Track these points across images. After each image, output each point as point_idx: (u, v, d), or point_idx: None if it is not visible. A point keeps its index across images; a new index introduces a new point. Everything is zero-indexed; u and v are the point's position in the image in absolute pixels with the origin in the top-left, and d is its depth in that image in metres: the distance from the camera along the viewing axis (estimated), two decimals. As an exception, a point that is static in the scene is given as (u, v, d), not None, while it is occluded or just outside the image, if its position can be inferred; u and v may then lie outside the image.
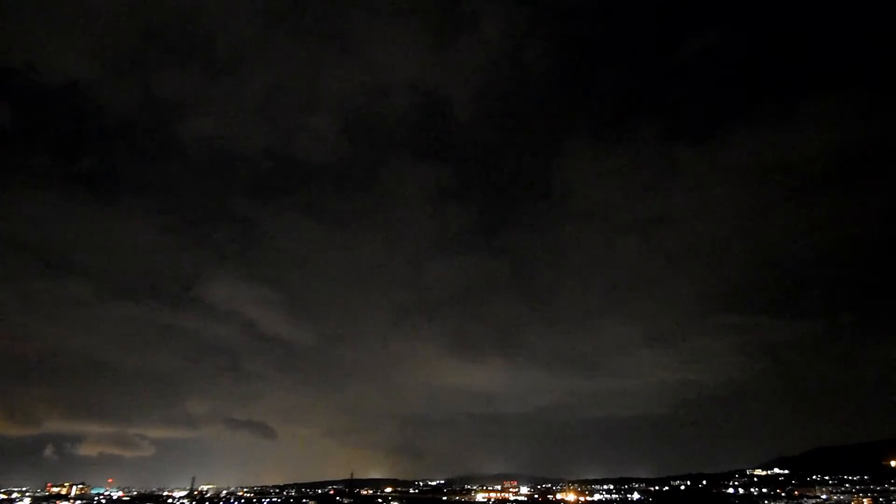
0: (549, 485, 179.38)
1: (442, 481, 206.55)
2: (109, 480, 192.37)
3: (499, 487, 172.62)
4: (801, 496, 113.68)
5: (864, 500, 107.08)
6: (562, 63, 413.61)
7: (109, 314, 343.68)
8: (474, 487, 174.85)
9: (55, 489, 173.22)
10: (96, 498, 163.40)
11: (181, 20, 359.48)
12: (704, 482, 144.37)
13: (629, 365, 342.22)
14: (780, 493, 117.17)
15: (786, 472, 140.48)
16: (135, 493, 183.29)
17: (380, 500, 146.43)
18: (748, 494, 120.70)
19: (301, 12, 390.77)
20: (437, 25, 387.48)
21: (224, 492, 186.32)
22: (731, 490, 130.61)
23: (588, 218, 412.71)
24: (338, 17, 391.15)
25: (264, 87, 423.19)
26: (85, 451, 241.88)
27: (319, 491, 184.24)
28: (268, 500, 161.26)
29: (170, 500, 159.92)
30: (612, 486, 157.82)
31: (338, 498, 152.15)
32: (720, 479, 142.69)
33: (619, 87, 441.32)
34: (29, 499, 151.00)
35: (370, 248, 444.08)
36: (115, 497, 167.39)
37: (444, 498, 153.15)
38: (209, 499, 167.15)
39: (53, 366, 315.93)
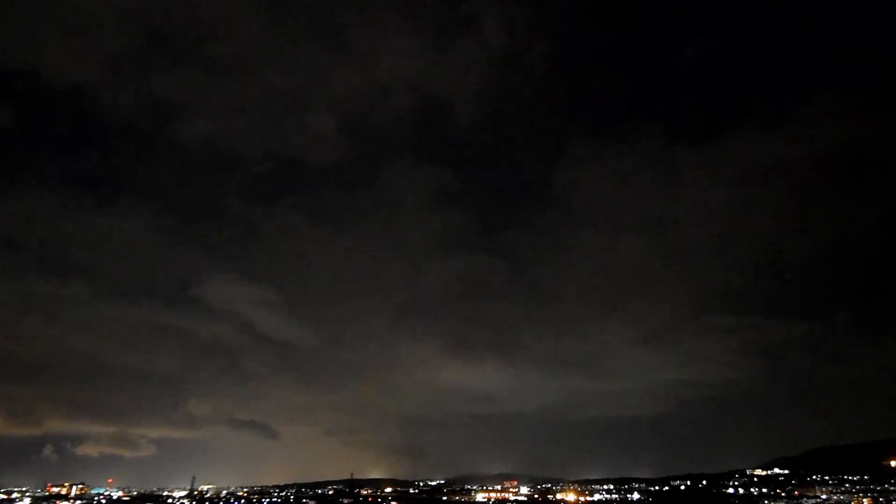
0: (549, 485, 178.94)
1: (442, 481, 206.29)
2: (109, 480, 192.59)
3: (499, 487, 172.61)
4: (801, 496, 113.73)
5: (864, 500, 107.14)
6: (562, 65, 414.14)
7: (109, 314, 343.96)
8: (474, 487, 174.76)
9: (55, 489, 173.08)
10: (96, 498, 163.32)
11: (181, 21, 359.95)
12: (704, 482, 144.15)
13: (629, 365, 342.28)
14: (780, 493, 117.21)
15: (786, 472, 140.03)
16: (135, 493, 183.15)
17: (380, 500, 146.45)
18: (748, 494, 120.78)
19: (301, 12, 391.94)
20: (437, 26, 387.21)
21: (224, 492, 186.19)
22: (731, 490, 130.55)
23: (588, 219, 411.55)
24: (338, 17, 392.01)
25: (264, 87, 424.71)
26: (85, 451, 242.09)
27: (319, 491, 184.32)
28: (268, 500, 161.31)
29: (170, 500, 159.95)
30: (612, 486, 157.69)
31: (338, 498, 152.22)
32: (720, 479, 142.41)
33: (619, 88, 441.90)
34: (29, 499, 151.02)
35: (370, 248, 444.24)
36: (115, 497, 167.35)
37: (444, 498, 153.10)
38: (209, 499, 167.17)
39: (53, 366, 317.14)
